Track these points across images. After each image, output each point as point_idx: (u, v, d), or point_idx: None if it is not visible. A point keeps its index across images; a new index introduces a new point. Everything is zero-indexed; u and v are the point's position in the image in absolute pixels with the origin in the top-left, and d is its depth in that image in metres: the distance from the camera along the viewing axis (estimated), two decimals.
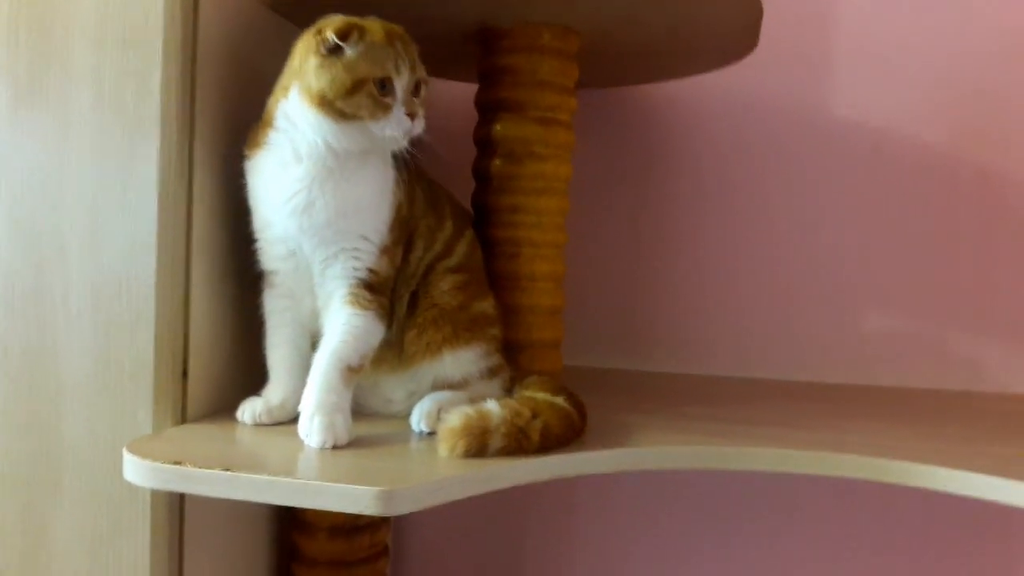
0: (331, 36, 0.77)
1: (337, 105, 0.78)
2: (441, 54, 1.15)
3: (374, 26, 0.79)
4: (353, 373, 0.81)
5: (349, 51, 0.77)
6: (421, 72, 0.82)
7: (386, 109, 0.79)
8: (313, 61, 0.78)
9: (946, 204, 1.26)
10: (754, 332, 1.32)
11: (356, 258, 0.83)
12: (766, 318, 1.32)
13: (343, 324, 0.82)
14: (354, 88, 0.77)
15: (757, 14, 0.95)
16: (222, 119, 0.89)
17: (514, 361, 0.97)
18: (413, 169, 0.89)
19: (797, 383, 1.26)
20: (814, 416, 1.01)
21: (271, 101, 0.84)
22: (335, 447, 0.76)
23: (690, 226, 1.35)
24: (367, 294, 0.83)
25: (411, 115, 0.80)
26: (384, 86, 0.78)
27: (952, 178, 1.25)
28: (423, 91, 0.83)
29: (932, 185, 1.26)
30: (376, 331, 0.83)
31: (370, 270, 0.83)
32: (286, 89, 0.82)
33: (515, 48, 1.02)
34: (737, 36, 1.04)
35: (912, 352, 1.27)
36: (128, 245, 0.83)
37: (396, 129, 0.79)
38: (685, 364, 1.34)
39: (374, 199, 0.84)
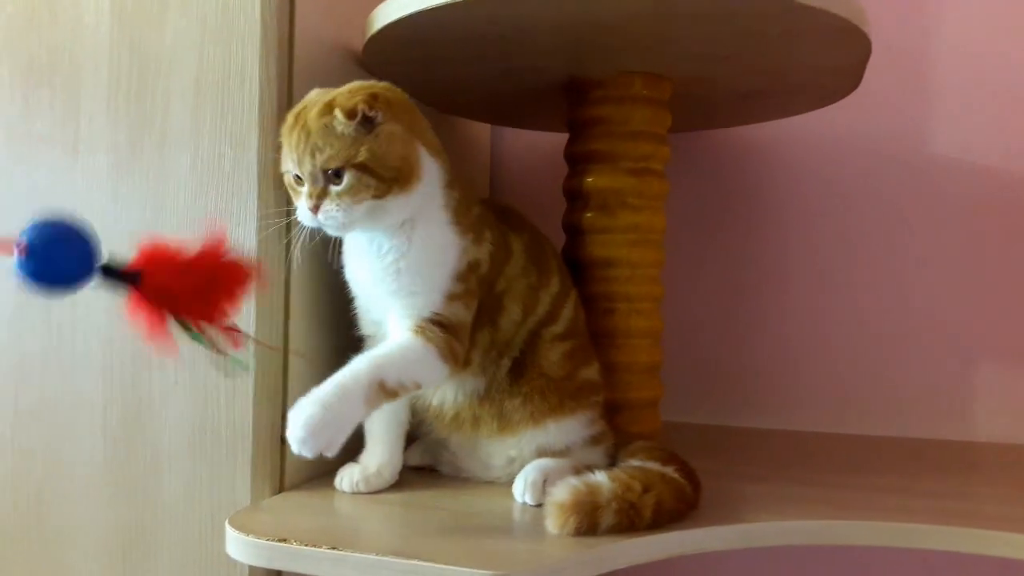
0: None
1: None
2: (529, 106, 1.14)
3: (289, 117, 0.77)
4: (383, 394, 0.73)
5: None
6: (333, 160, 0.73)
7: (298, 196, 0.76)
8: None
9: None
10: (854, 385, 1.26)
11: (414, 305, 0.79)
12: (866, 370, 1.25)
13: (401, 341, 0.77)
14: (283, 178, 0.78)
15: (865, 54, 0.90)
16: None
17: (612, 421, 0.93)
18: (514, 225, 0.87)
19: (902, 439, 1.18)
20: (933, 479, 0.94)
21: None
22: (303, 456, 0.69)
23: (787, 273, 1.29)
24: (437, 329, 0.78)
25: (312, 208, 0.74)
26: (297, 178, 0.76)
27: None
28: (347, 179, 0.73)
29: None
30: (434, 368, 0.77)
31: (436, 312, 0.78)
32: None
33: (606, 99, 0.99)
34: (841, 76, 0.99)
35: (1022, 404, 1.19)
36: None
37: (304, 219, 0.75)
38: (783, 419, 1.27)
39: (424, 265, 0.79)
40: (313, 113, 0.74)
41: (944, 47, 1.23)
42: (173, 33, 0.85)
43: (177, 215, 0.85)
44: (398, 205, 0.76)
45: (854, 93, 1.06)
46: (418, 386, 0.77)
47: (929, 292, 1.23)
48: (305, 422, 0.69)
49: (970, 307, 1.22)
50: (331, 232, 0.77)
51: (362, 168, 0.73)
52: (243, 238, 0.82)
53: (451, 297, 0.79)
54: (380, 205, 0.75)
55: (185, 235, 0.84)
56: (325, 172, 0.74)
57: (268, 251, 0.82)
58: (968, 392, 1.22)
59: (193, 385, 0.83)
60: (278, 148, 0.78)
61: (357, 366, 0.74)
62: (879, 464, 1.03)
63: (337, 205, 0.73)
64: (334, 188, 0.74)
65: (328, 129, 0.73)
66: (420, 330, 0.77)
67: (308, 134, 0.74)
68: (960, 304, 1.22)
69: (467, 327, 0.81)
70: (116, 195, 0.88)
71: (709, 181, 1.33)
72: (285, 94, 0.84)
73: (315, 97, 0.77)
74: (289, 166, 0.76)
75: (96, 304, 0.87)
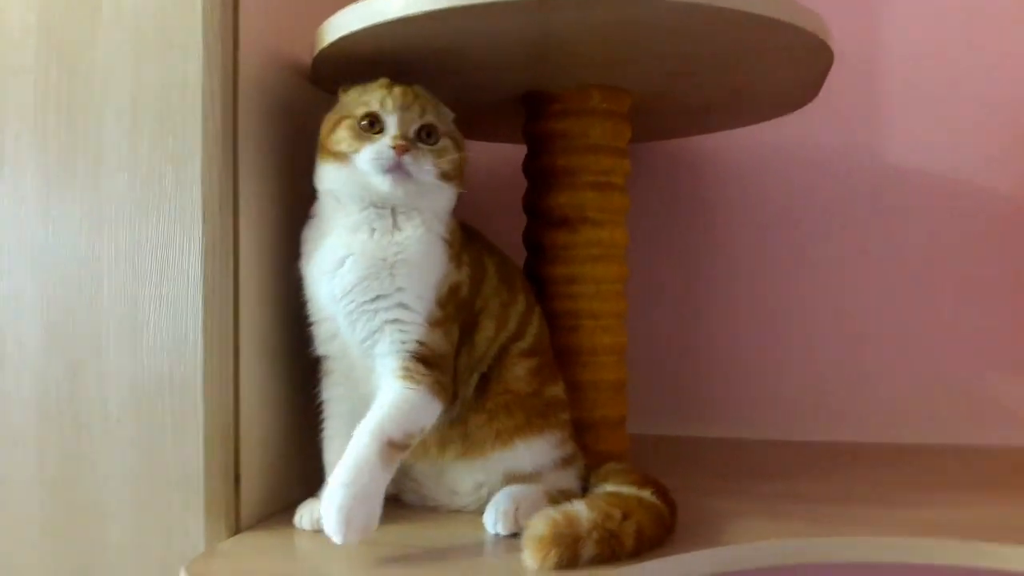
0: (340, 90, 0.82)
1: (326, 145, 0.79)
2: (486, 119, 1.11)
3: (382, 80, 0.81)
4: (396, 451, 0.73)
5: (342, 96, 0.82)
6: (433, 119, 0.79)
7: (366, 140, 0.77)
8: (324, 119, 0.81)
9: (1013, 250, 1.20)
10: (816, 393, 1.26)
11: (401, 330, 0.77)
12: (829, 378, 1.26)
13: (391, 396, 0.75)
14: (336, 124, 0.79)
15: (827, 65, 0.90)
16: (268, 199, 0.85)
17: (578, 441, 0.90)
18: (484, 245, 0.84)
19: (872, 445, 1.19)
20: (907, 488, 0.95)
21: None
22: (350, 543, 0.69)
23: (750, 281, 1.29)
24: (421, 367, 0.76)
25: (397, 147, 0.75)
26: (373, 124, 0.77)
27: (1019, 224, 1.20)
28: (441, 142, 0.79)
29: (998, 232, 1.21)
30: (429, 409, 0.76)
31: (419, 343, 0.77)
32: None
33: (565, 112, 0.97)
34: (801, 88, 0.99)
35: (988, 408, 1.21)
36: (170, 340, 0.78)
37: (375, 158, 0.75)
38: (751, 429, 1.27)
39: (412, 264, 0.77)
40: (413, 86, 0.80)
41: (895, 56, 1.25)
42: (105, 46, 0.80)
43: (115, 240, 0.79)
44: (444, 195, 0.80)
45: (810, 103, 1.06)
46: (423, 430, 0.76)
47: (887, 299, 1.25)
48: (339, 510, 0.69)
49: (927, 312, 1.23)
50: (391, 183, 0.76)
51: (453, 143, 0.80)
52: (187, 263, 0.77)
53: (434, 324, 0.78)
54: (439, 185, 0.79)
55: (124, 261, 0.80)
56: (423, 127, 0.78)
57: (214, 274, 0.77)
58: (937, 395, 1.23)
59: (137, 420, 0.78)
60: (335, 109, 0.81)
61: (361, 438, 0.72)
62: (854, 474, 1.03)
63: (423, 158, 0.77)
64: (423, 145, 0.78)
65: (438, 104, 0.81)
66: (406, 372, 0.76)
67: (418, 96, 0.79)
68: (918, 309, 1.24)
69: (450, 359, 0.79)
70: (47, 219, 0.82)
71: (665, 192, 1.32)
72: (230, 109, 0.79)
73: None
74: (374, 107, 0.77)
75: (30, 334, 0.81)
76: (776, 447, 1.18)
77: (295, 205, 0.85)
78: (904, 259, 1.24)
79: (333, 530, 0.69)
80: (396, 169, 0.75)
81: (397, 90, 0.78)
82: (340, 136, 0.77)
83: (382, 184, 0.76)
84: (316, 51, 0.85)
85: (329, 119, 0.80)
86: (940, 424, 1.22)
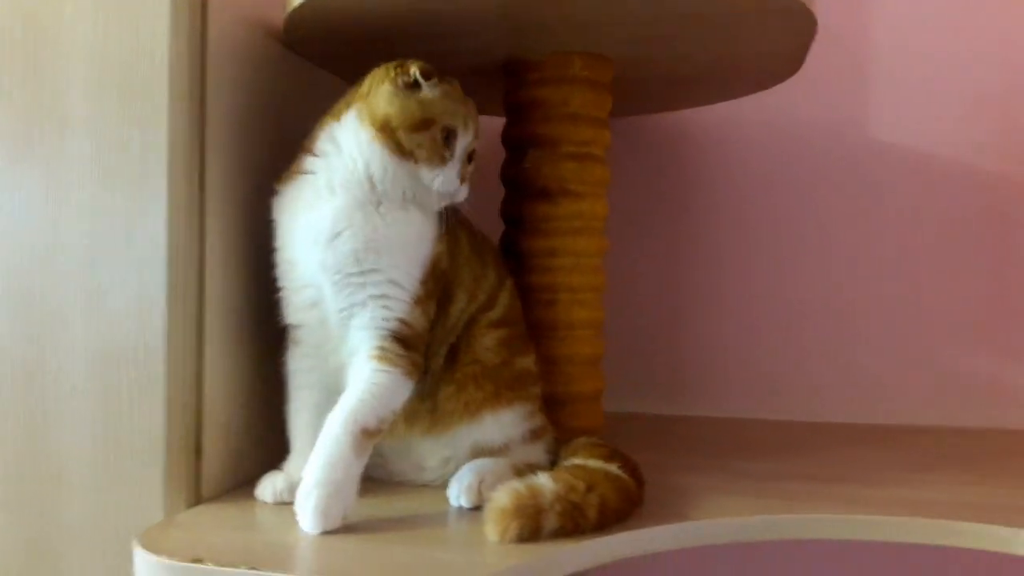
0: (414, 71, 0.75)
1: (398, 135, 0.75)
2: (465, 88, 1.09)
3: (455, 82, 0.79)
4: (368, 438, 0.72)
5: (427, 90, 0.76)
6: (476, 141, 0.80)
7: (443, 160, 0.76)
8: (387, 88, 0.76)
9: (996, 229, 1.19)
10: (799, 371, 1.25)
11: (385, 307, 0.75)
12: (810, 357, 1.25)
13: (364, 380, 0.74)
14: (422, 125, 0.75)
15: (809, 35, 0.88)
16: (235, 163, 0.82)
17: (553, 416, 0.89)
18: (455, 216, 0.83)
19: (846, 425, 1.18)
20: (882, 468, 0.93)
21: (317, 127, 0.79)
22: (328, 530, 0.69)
23: (731, 258, 1.27)
24: (398, 348, 0.75)
25: (461, 179, 0.78)
26: (448, 139, 0.77)
27: (1002, 202, 1.19)
28: (472, 162, 0.81)
29: (981, 209, 1.19)
30: (402, 392, 0.75)
31: (401, 321, 0.76)
32: (339, 113, 0.78)
33: (545, 80, 0.95)
34: (783, 58, 0.96)
35: (968, 388, 1.19)
36: (134, 307, 0.76)
37: (446, 185, 0.77)
38: (728, 408, 1.26)
39: (410, 242, 0.77)
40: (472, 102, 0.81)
41: (882, 30, 1.23)
42: (72, 5, 0.78)
43: (78, 204, 0.77)
44: None
45: (794, 77, 1.04)
46: (396, 412, 0.76)
47: (869, 277, 1.23)
48: (314, 510, 0.69)
49: (908, 290, 1.22)
50: (461, 199, 0.79)
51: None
52: (152, 225, 0.75)
53: (416, 302, 0.76)
54: None
55: (87, 228, 0.78)
56: (471, 153, 0.80)
57: (179, 238, 0.75)
58: (912, 376, 1.21)
59: (98, 389, 0.76)
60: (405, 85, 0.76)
61: (332, 431, 0.72)
62: (829, 453, 1.01)
63: (467, 181, 0.80)
64: (468, 165, 0.80)
65: (478, 119, 0.81)
66: (382, 353, 0.75)
67: (475, 115, 0.80)
68: (899, 288, 1.22)
69: (426, 336, 0.78)
70: (13, 184, 0.79)
71: (647, 167, 1.30)
72: (197, 72, 0.77)
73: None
74: (458, 124, 0.77)
75: None
76: (755, 426, 1.17)
77: (264, 171, 0.83)
78: (888, 237, 1.22)
79: (308, 525, 0.69)
80: (455, 196, 0.78)
81: (472, 110, 0.79)
82: (421, 141, 0.75)
83: (436, 205, 0.78)
84: (288, 10, 0.82)
85: (405, 104, 0.75)
86: (922, 404, 1.21)
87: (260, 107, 0.86)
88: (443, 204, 0.78)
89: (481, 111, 1.18)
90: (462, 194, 0.79)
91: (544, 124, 0.95)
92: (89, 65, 0.77)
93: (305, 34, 0.86)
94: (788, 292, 1.25)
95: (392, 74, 0.76)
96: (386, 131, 0.75)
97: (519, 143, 0.98)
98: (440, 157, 0.76)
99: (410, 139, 0.75)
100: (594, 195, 0.97)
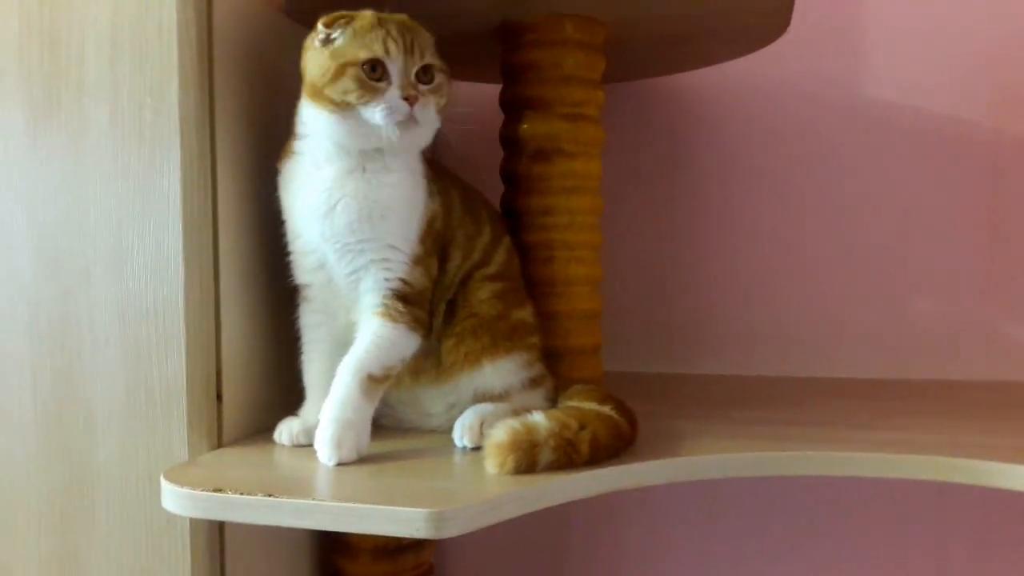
0: (320, 27, 0.77)
1: (326, 93, 0.77)
2: (463, 53, 1.12)
3: (365, 14, 0.78)
4: (375, 383, 0.78)
5: (338, 38, 0.77)
6: (430, 58, 0.78)
7: (375, 92, 0.75)
8: (309, 54, 0.79)
9: (990, 184, 1.21)
10: (796, 328, 1.28)
11: (386, 268, 0.80)
12: (808, 313, 1.28)
13: (370, 334, 0.79)
14: (338, 72, 0.76)
15: None
16: (244, 128, 0.87)
17: (553, 369, 0.93)
18: (448, 177, 0.86)
19: (844, 380, 1.22)
20: (870, 415, 0.97)
21: (296, 108, 0.83)
22: (344, 463, 0.75)
23: (725, 219, 1.31)
24: (400, 305, 0.80)
25: (409, 99, 0.75)
26: (375, 69, 0.75)
27: (996, 158, 1.21)
28: (436, 79, 0.79)
29: (975, 165, 1.22)
30: (407, 344, 0.80)
31: (402, 280, 0.80)
32: (301, 92, 0.81)
33: (538, 42, 0.98)
34: (769, 18, 0.99)
35: (962, 342, 1.23)
36: (153, 264, 0.81)
37: (389, 113, 0.75)
38: (727, 365, 1.30)
39: (401, 206, 0.80)
40: (406, 20, 0.78)
41: None
42: None
43: (99, 168, 0.82)
44: (431, 130, 0.80)
45: (784, 39, 1.07)
46: (404, 360, 0.81)
47: (866, 233, 1.26)
48: (329, 440, 0.75)
49: (906, 247, 1.24)
50: (400, 134, 0.76)
51: (443, 74, 0.80)
52: (167, 187, 0.79)
53: (416, 262, 0.81)
54: (433, 120, 0.79)
55: (108, 190, 0.82)
56: (426, 70, 0.77)
57: (192, 198, 0.80)
58: (907, 330, 1.25)
59: (124, 342, 0.81)
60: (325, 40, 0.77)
61: (343, 377, 0.77)
62: (821, 403, 1.05)
63: (426, 103, 0.77)
64: (423, 86, 0.77)
65: (425, 34, 0.79)
66: (385, 310, 0.80)
67: (409, 29, 0.77)
68: (896, 244, 1.25)
69: (428, 293, 0.83)
70: (35, 148, 0.84)
71: (643, 130, 1.33)
72: (205, 41, 0.81)
73: (379, 13, 0.78)
74: (378, 53, 0.75)
75: (21, 263, 0.84)
76: (752, 382, 1.21)
77: (271, 133, 0.87)
78: (881, 192, 1.25)
79: (326, 456, 0.75)
80: (407, 120, 0.76)
81: (395, 30, 0.76)
82: (345, 87, 0.75)
83: (392, 135, 0.76)
84: None
85: (320, 61, 0.77)
86: (915, 358, 1.24)
87: (266, 72, 0.90)
88: (396, 137, 0.76)
89: (480, 77, 1.22)
90: (422, 115, 0.76)
91: (538, 86, 0.99)
92: (102, 33, 0.81)
93: (308, 4, 0.90)
94: (784, 250, 1.28)
95: (310, 39, 0.78)
96: (317, 94, 0.77)
97: (515, 105, 1.01)
98: (370, 91, 0.75)
99: (335, 90, 0.76)
100: (588, 155, 1.00)
